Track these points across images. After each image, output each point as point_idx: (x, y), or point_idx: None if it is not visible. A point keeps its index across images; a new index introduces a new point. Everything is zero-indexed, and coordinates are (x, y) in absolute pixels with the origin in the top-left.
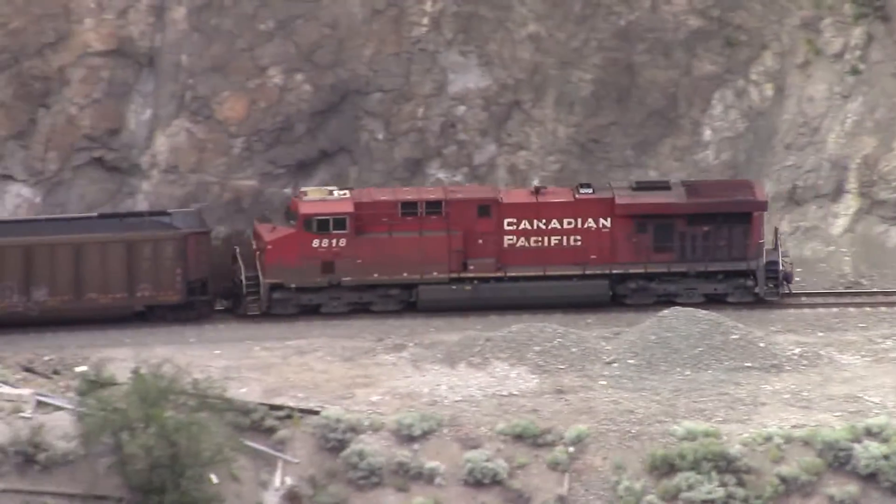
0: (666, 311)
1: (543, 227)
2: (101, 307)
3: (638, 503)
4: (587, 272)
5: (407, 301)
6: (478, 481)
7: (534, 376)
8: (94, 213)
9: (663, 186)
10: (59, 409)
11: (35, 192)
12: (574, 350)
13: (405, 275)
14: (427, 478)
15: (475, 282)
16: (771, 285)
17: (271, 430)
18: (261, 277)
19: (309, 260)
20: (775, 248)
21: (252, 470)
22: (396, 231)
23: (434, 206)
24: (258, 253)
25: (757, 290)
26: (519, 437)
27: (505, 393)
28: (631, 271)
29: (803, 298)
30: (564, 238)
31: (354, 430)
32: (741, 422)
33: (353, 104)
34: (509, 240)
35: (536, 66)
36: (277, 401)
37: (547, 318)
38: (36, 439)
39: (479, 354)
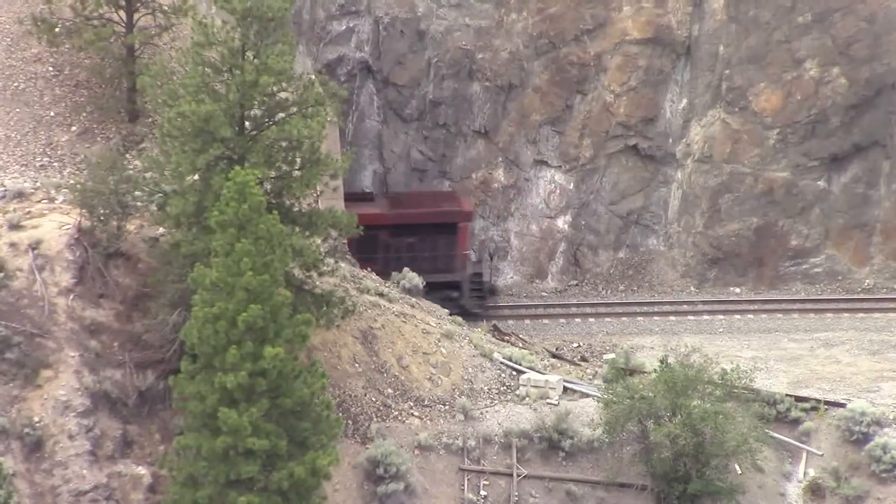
0: None
1: None
2: None
3: None
4: None
5: None
6: None
7: None
8: None
9: (367, 198)
10: (584, 395)
11: (568, 179)
12: None
13: None
14: None
15: None
16: (476, 297)
17: (796, 422)
18: None
19: None
20: (480, 261)
21: (775, 461)
22: None
23: None
24: None
25: (462, 301)
26: None
27: None
28: None
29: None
30: None
31: (879, 423)
32: None
33: (888, 99)
34: None
35: None
36: (803, 392)
37: None
38: (561, 426)
39: None
